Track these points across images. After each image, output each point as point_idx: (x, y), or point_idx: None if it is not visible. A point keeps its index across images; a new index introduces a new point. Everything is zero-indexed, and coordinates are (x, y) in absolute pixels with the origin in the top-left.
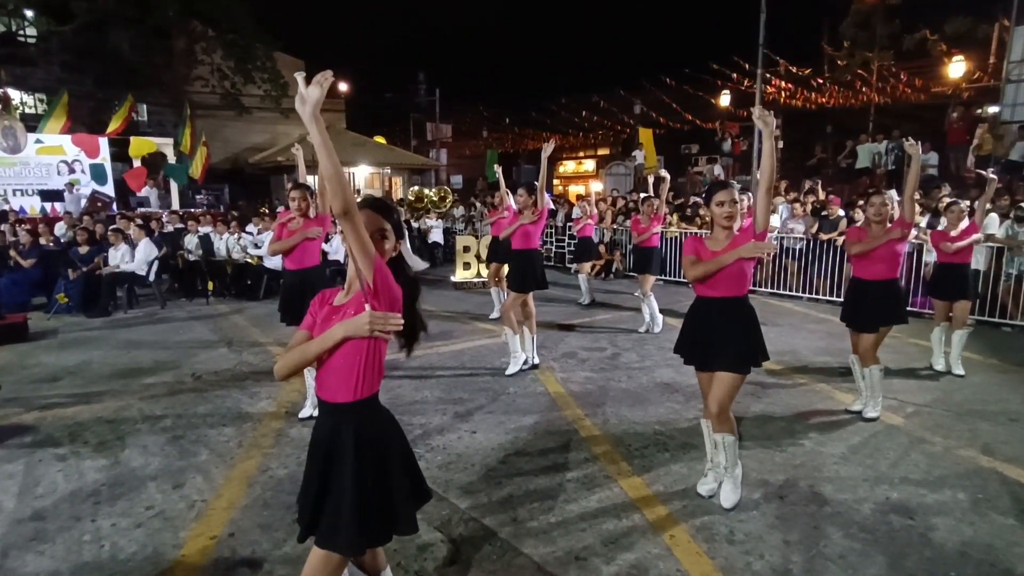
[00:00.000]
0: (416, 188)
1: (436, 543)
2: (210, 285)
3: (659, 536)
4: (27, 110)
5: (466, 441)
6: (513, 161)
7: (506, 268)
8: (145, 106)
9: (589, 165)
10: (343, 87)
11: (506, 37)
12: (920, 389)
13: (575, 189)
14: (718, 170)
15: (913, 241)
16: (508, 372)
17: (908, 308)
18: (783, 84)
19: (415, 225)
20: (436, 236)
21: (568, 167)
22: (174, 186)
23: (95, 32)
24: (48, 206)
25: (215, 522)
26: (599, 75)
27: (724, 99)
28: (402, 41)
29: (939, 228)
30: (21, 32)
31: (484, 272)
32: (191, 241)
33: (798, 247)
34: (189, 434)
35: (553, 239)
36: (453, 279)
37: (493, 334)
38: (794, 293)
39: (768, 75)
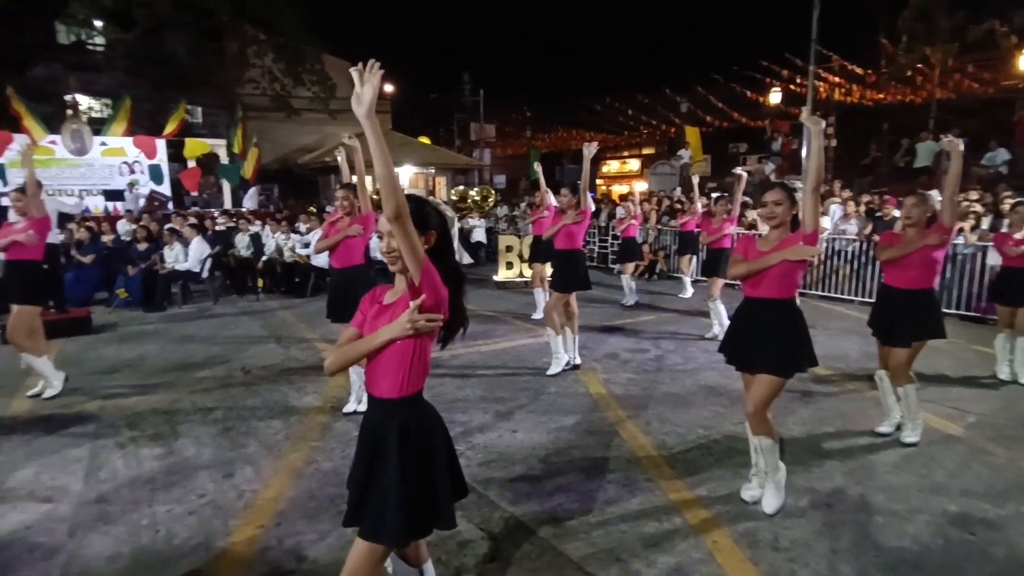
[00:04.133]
0: (460, 188)
1: (476, 540)
2: (260, 282)
3: (701, 540)
4: (93, 114)
5: (507, 440)
6: (557, 161)
7: (549, 268)
8: (200, 108)
9: (633, 164)
10: (389, 88)
11: (551, 37)
12: (981, 398)
13: (619, 189)
14: (769, 168)
15: (977, 243)
16: (550, 372)
17: (972, 313)
18: (837, 80)
19: (458, 225)
20: (479, 236)
21: (612, 167)
22: (226, 186)
23: (154, 38)
24: (111, 205)
25: (263, 512)
26: (645, 74)
27: (774, 97)
28: (447, 41)
29: (1003, 230)
30: (90, 40)
31: (527, 272)
32: (242, 240)
33: (850, 249)
34: (239, 426)
35: (596, 239)
36: (496, 278)
37: (535, 334)
38: (845, 296)
39: (821, 72)
